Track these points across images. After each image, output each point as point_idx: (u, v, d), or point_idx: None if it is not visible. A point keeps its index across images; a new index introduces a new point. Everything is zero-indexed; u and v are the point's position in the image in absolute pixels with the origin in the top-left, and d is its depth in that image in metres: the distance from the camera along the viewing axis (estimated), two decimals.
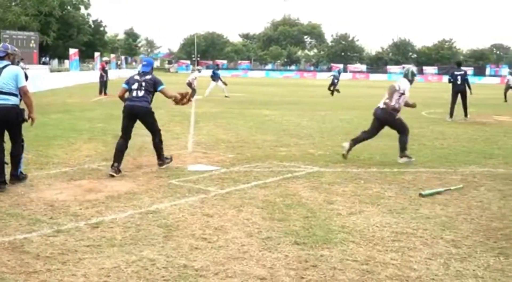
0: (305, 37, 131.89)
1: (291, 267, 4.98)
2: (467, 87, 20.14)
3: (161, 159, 9.61)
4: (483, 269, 5.02)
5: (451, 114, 20.05)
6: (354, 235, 5.96)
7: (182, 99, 10.13)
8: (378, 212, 6.95)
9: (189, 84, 28.23)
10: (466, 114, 20.25)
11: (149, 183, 8.24)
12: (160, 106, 22.51)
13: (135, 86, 9.43)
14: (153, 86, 9.47)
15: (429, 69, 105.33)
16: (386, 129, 15.84)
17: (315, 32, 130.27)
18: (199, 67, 40.52)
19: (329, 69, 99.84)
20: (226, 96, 29.75)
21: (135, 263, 4.97)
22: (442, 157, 11.28)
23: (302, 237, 5.83)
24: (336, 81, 34.35)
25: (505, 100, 32.24)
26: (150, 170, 9.27)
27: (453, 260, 5.25)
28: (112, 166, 8.99)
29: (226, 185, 8.22)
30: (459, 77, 20.26)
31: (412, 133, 15.15)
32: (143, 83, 9.42)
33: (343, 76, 68.59)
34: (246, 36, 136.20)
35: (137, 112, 9.39)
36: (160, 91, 9.54)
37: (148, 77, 9.53)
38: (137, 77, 9.59)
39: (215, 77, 31.05)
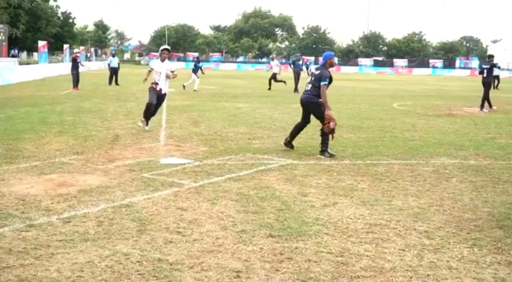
0: (276, 29, 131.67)
1: (266, 259, 4.98)
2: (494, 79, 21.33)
3: (322, 147, 10.29)
4: (457, 260, 5.07)
5: (482, 106, 21.26)
6: (328, 227, 5.98)
7: (329, 122, 10.34)
8: (352, 204, 6.98)
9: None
10: (481, 107, 21.28)
11: (122, 177, 8.16)
12: (131, 100, 22.40)
13: (308, 80, 10.67)
14: (318, 81, 10.25)
15: (399, 62, 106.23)
16: (358, 122, 15.97)
17: (286, 24, 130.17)
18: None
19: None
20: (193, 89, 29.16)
21: (108, 258, 4.92)
22: (413, 148, 11.37)
23: (276, 229, 5.83)
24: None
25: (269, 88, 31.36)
26: (123, 163, 9.18)
27: (427, 251, 5.29)
28: (286, 138, 10.86)
29: (200, 178, 8.18)
30: (485, 70, 21.73)
31: (383, 125, 15.34)
32: (313, 78, 10.48)
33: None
34: (217, 28, 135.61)
35: (303, 103, 10.62)
36: (319, 86, 10.24)
37: (317, 72, 10.46)
38: (313, 71, 10.75)
39: (195, 70, 30.22)
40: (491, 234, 5.86)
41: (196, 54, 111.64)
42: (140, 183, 7.80)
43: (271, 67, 32.44)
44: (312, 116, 10.64)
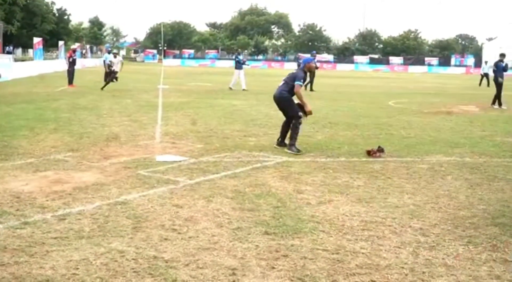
0: (273, 26, 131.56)
1: (262, 257, 4.97)
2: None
3: (290, 141, 10.43)
4: (452, 258, 5.07)
5: (499, 103, 21.90)
6: (324, 225, 5.98)
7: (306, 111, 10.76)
8: (347, 201, 6.98)
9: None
10: (499, 104, 21.84)
11: (117, 174, 8.14)
12: (127, 97, 22.36)
13: (284, 77, 11.00)
14: (292, 80, 10.62)
15: (395, 60, 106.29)
16: (353, 119, 15.97)
17: (282, 21, 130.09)
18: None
19: (297, 59, 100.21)
20: (230, 89, 28.12)
21: (104, 255, 4.91)
22: (409, 146, 11.38)
23: (272, 227, 5.82)
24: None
25: None
26: (118, 160, 9.15)
27: (422, 249, 5.30)
28: (278, 139, 10.96)
29: (195, 175, 8.16)
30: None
31: (379, 123, 15.35)
32: (288, 75, 10.91)
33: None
34: (213, 26, 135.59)
35: (275, 99, 10.99)
36: (292, 85, 10.61)
37: (294, 71, 11.08)
38: (292, 71, 11.19)
39: (239, 65, 28.70)
40: (487, 232, 5.87)
41: (192, 51, 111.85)
42: (135, 180, 7.78)
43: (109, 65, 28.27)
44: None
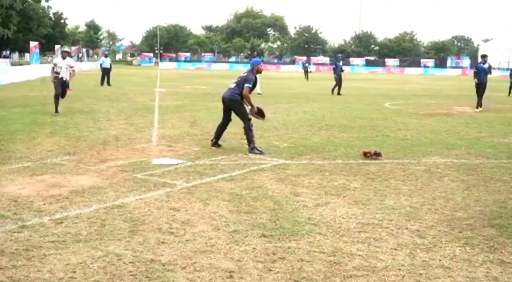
0: (268, 29, 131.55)
1: (259, 259, 4.98)
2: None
3: (250, 145, 10.51)
4: (449, 259, 5.08)
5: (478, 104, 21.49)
6: (321, 227, 5.98)
7: (257, 113, 11.02)
8: (344, 203, 6.99)
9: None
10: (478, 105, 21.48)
11: (114, 177, 8.14)
12: (123, 100, 22.36)
13: (234, 80, 11.09)
14: (243, 82, 10.66)
15: (391, 61, 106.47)
16: (350, 121, 15.98)
17: (278, 24, 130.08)
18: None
19: (293, 62, 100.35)
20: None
21: (101, 259, 4.91)
22: (405, 147, 11.39)
23: (269, 229, 5.83)
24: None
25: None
26: (115, 164, 9.15)
27: (419, 250, 5.30)
28: (212, 139, 11.06)
29: (192, 178, 8.17)
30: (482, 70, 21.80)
31: (375, 124, 15.36)
32: (238, 78, 10.85)
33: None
34: (209, 28, 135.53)
35: (224, 101, 10.94)
36: (243, 87, 10.64)
37: (244, 74, 10.87)
38: (241, 74, 11.06)
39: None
40: (483, 233, 5.88)
41: (188, 54, 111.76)
42: (132, 183, 7.78)
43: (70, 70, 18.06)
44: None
